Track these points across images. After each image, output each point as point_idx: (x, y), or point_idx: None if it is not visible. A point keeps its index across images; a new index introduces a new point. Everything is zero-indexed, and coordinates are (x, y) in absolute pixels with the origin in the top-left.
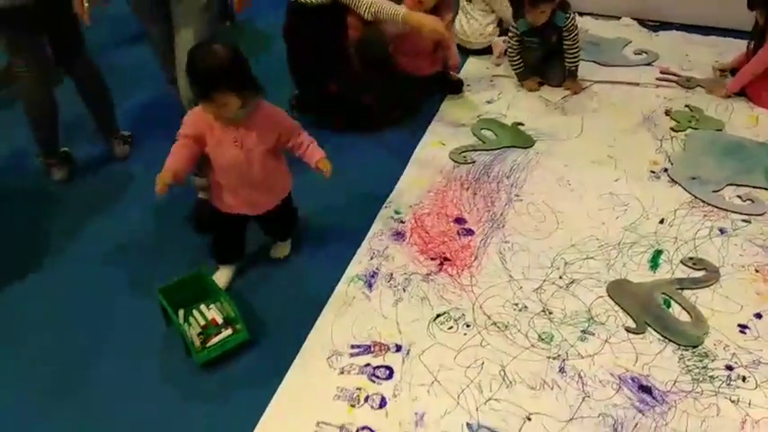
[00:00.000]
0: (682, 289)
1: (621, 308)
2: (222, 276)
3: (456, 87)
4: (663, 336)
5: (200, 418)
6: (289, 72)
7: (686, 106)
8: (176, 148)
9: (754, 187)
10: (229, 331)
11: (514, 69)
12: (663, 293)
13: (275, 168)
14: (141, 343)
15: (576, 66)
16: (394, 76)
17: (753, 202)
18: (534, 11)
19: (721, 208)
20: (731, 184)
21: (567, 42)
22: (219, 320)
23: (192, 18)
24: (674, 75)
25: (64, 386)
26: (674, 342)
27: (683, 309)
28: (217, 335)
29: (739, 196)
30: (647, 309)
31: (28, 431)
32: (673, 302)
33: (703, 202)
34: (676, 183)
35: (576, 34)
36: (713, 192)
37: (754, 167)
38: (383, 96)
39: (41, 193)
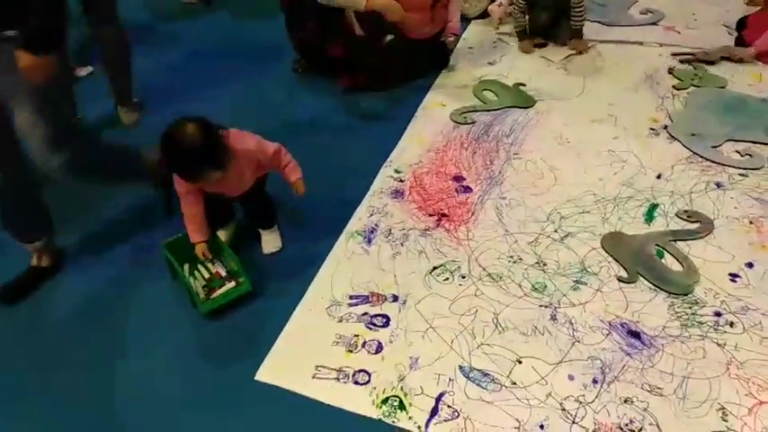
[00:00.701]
0: (675, 240)
1: (615, 259)
2: (221, 237)
3: (445, 60)
4: (654, 285)
5: (205, 364)
6: (288, 39)
7: (690, 64)
8: (187, 211)
9: (753, 142)
10: (233, 284)
11: (516, 28)
12: (656, 245)
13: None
14: (148, 295)
15: (582, 24)
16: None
17: (751, 156)
18: None
19: (719, 163)
20: (730, 140)
21: (573, 0)
22: (223, 273)
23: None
24: (691, 54)
25: (74, 335)
26: (664, 291)
27: (676, 259)
28: (221, 287)
29: (738, 151)
30: (639, 259)
31: (40, 374)
32: (665, 253)
33: (701, 157)
34: (675, 139)
35: None
36: (712, 147)
37: (755, 123)
38: (384, 59)
39: None
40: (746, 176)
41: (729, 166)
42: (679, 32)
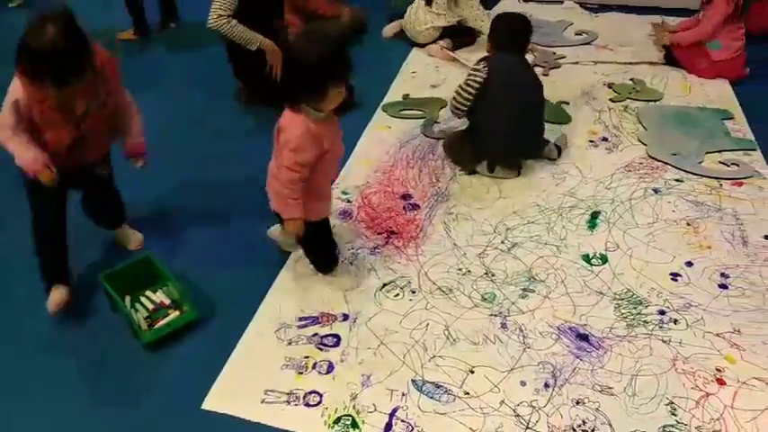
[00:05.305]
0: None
1: None
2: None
3: None
4: None
5: (148, 396)
6: (231, 69)
7: (630, 80)
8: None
9: (726, 151)
10: (177, 313)
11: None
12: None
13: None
14: (87, 328)
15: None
16: None
17: (738, 165)
18: None
19: (713, 177)
20: (708, 152)
21: None
22: (167, 302)
23: None
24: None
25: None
26: None
27: None
28: (164, 317)
29: (723, 162)
30: None
31: None
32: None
33: (696, 174)
34: (659, 161)
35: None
36: (699, 163)
37: (712, 132)
38: None
39: None
40: (682, 181)
41: (724, 178)
42: (612, 50)
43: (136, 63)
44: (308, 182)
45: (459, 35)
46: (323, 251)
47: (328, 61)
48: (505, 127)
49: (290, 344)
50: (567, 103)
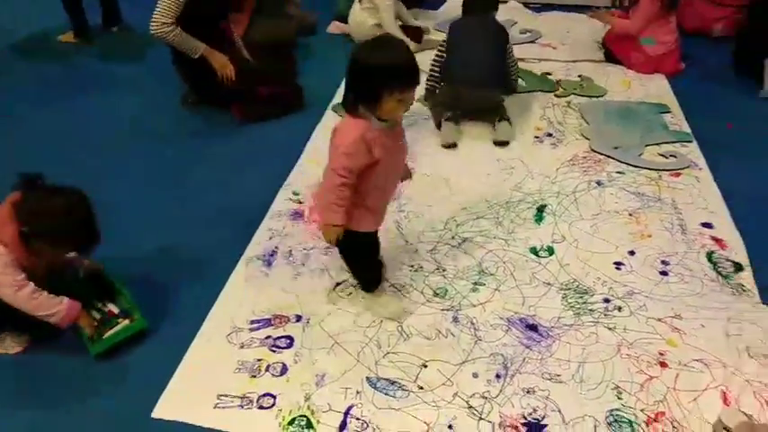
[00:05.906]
0: None
1: None
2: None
3: None
4: None
5: (96, 407)
6: (177, 72)
7: (579, 76)
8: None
9: (664, 143)
10: (126, 322)
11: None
12: None
13: None
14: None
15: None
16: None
17: (676, 157)
18: None
19: (653, 169)
20: (648, 145)
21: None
22: (116, 312)
23: None
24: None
25: None
26: None
27: None
28: (113, 327)
29: (662, 155)
30: None
31: None
32: None
33: (637, 167)
34: (603, 155)
35: None
36: (640, 156)
37: (651, 125)
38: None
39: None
40: (623, 174)
41: (663, 169)
42: (555, 48)
43: (76, 66)
44: (363, 196)
45: (405, 35)
46: (368, 267)
47: (383, 65)
48: (465, 59)
49: (242, 347)
50: (550, 74)
